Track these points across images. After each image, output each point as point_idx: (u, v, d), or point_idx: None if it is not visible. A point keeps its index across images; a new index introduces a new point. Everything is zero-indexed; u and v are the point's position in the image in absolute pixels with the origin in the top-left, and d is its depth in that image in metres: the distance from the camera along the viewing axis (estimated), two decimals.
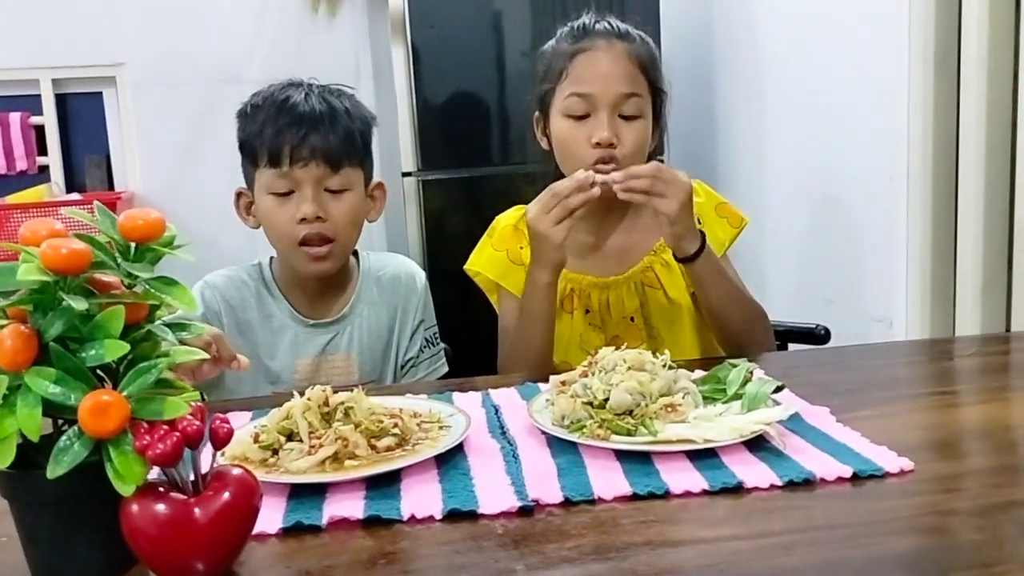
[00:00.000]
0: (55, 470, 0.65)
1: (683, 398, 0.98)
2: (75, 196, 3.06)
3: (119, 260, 0.71)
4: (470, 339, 1.64)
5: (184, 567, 0.68)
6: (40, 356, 0.67)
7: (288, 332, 1.44)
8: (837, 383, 1.17)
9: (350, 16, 3.31)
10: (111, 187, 3.23)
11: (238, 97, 1.44)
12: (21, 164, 3.16)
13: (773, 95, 2.83)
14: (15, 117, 3.13)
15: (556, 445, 0.95)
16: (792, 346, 1.67)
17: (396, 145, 2.83)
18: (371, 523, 0.79)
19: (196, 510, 0.67)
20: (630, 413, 0.96)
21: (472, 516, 0.80)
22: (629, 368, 1.00)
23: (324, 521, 0.80)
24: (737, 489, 0.83)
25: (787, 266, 2.81)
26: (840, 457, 0.88)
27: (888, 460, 0.86)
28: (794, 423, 0.97)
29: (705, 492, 0.82)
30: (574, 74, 1.40)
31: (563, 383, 1.04)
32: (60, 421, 0.70)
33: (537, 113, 1.49)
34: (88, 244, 0.69)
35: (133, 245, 0.73)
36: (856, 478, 0.84)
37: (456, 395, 1.17)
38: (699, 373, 1.11)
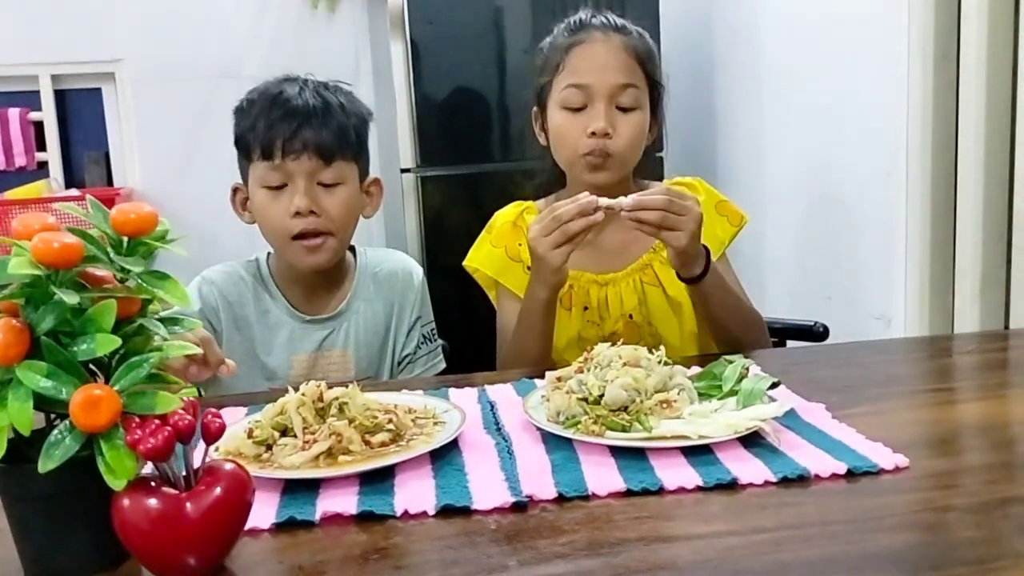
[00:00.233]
0: (46, 464, 0.65)
1: (678, 394, 0.98)
2: (74, 192, 3.06)
3: (111, 254, 0.71)
4: (469, 335, 1.64)
5: (176, 561, 0.68)
6: (32, 350, 0.67)
7: (284, 328, 1.44)
8: (834, 380, 1.16)
9: (349, 12, 3.30)
10: (110, 183, 3.23)
11: (237, 93, 1.44)
12: (20, 160, 3.15)
13: (772, 92, 2.82)
14: (14, 113, 3.12)
15: (551, 441, 0.95)
16: (790, 343, 1.66)
17: (395, 141, 2.82)
18: (364, 518, 0.79)
19: (188, 505, 0.67)
20: (625, 409, 0.96)
21: (466, 512, 0.80)
22: (624, 364, 1.00)
23: (317, 516, 0.79)
24: (731, 485, 0.82)
25: (786, 263, 2.81)
26: (835, 454, 0.87)
27: (883, 457, 0.86)
28: (789, 419, 0.97)
29: (699, 488, 0.82)
30: (570, 66, 1.40)
31: (559, 379, 1.04)
32: (52, 415, 0.70)
33: (535, 108, 1.49)
34: (80, 238, 0.68)
35: (125, 239, 0.72)
36: (851, 475, 0.83)
37: (452, 391, 1.17)
38: (695, 369, 1.11)
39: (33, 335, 0.67)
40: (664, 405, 0.96)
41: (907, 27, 2.09)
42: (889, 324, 2.26)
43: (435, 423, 0.99)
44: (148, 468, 0.68)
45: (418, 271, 1.54)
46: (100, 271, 0.71)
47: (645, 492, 0.82)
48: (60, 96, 3.19)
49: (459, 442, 0.95)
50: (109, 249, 0.71)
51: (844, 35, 2.39)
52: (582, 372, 1.02)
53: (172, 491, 0.67)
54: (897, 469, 0.84)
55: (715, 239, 1.44)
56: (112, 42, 3.15)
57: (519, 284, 1.42)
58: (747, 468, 0.85)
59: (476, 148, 2.90)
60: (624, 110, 1.40)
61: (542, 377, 1.11)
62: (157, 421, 0.67)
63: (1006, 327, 1.97)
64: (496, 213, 1.55)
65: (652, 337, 1.44)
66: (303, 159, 1.35)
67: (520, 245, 1.46)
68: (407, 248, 2.78)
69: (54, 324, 0.67)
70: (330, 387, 0.97)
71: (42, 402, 0.67)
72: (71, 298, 0.66)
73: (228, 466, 0.71)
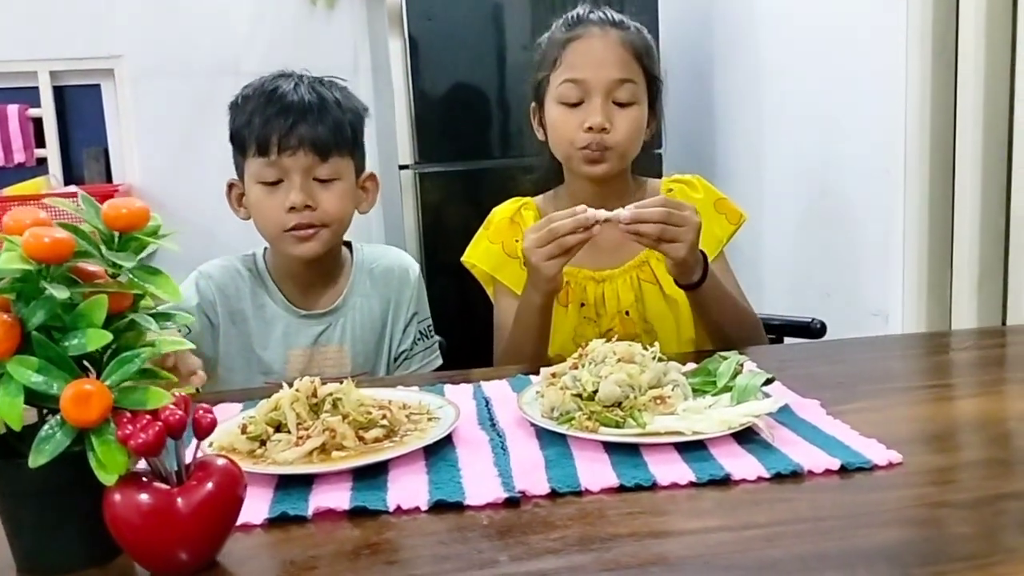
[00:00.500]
0: (37, 459, 0.65)
1: (672, 390, 0.98)
2: (73, 188, 3.05)
3: (103, 249, 0.71)
4: (466, 331, 1.63)
5: (168, 557, 0.68)
6: (22, 345, 0.67)
7: (280, 322, 1.44)
8: (829, 376, 1.16)
9: (348, 8, 3.30)
10: (109, 180, 3.23)
11: (236, 90, 1.44)
12: (19, 157, 3.15)
13: (770, 90, 2.82)
14: (13, 109, 3.12)
15: (545, 437, 0.95)
16: (788, 340, 1.66)
17: (393, 138, 2.82)
18: (357, 514, 0.79)
19: (179, 500, 0.67)
20: (619, 405, 0.96)
21: (458, 507, 0.80)
22: (619, 360, 1.00)
23: (310, 512, 0.79)
24: (724, 481, 0.82)
25: (784, 260, 2.81)
26: (828, 449, 0.87)
27: (877, 453, 0.86)
28: (783, 415, 0.97)
29: (692, 484, 0.82)
30: (568, 61, 1.40)
31: (553, 375, 1.04)
32: (43, 410, 0.70)
33: (533, 103, 1.49)
34: (71, 233, 0.68)
35: (117, 234, 0.72)
36: (844, 470, 0.83)
37: (448, 387, 1.17)
38: (690, 365, 1.11)
39: (24, 330, 0.67)
40: (658, 401, 0.96)
41: (905, 24, 2.09)
42: (887, 320, 2.26)
43: (429, 419, 0.99)
44: (143, 464, 0.68)
45: (415, 268, 1.54)
46: (91, 266, 0.71)
47: (638, 488, 0.82)
48: (59, 92, 3.19)
49: (453, 438, 0.95)
50: (101, 244, 0.71)
51: (843, 33, 2.39)
52: (576, 368, 1.02)
53: (163, 486, 0.67)
54: (891, 465, 0.84)
55: (713, 237, 1.44)
56: (111, 38, 3.15)
57: (516, 280, 1.42)
58: (740, 464, 0.85)
59: (474, 144, 2.89)
60: (621, 105, 1.39)
61: (538, 373, 1.11)
62: (148, 416, 0.66)
63: (1003, 323, 1.96)
64: (494, 209, 1.55)
65: (648, 334, 1.43)
66: (299, 155, 1.35)
67: (517, 241, 1.46)
68: (405, 244, 2.78)
69: (45, 319, 0.67)
70: (325, 383, 0.97)
71: (33, 397, 0.66)
72: (62, 293, 0.65)
73: (220, 461, 0.71)
